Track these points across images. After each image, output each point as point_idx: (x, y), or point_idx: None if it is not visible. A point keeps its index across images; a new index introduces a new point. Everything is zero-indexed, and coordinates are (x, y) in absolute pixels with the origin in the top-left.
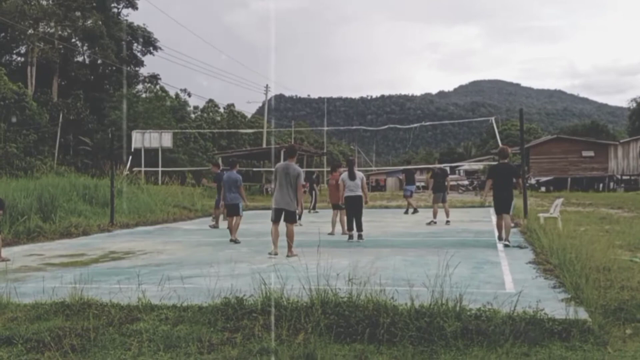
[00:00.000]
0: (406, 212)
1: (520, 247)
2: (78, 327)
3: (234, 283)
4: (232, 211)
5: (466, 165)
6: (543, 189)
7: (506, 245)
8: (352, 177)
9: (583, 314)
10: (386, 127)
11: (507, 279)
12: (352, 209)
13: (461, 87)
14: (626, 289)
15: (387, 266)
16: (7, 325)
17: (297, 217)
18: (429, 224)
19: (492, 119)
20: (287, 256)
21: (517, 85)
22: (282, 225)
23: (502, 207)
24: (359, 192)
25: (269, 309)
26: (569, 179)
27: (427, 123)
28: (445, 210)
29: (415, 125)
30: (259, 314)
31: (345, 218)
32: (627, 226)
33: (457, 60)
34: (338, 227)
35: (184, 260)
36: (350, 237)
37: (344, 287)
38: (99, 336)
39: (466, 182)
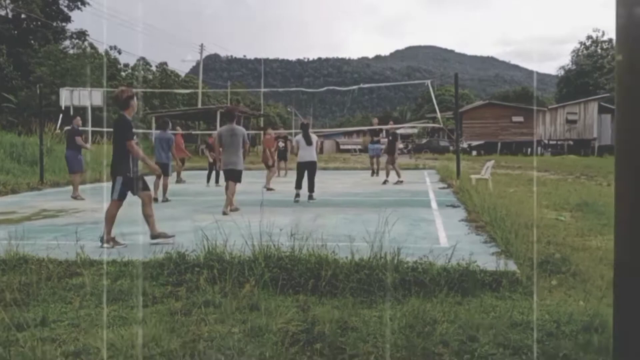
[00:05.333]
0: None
1: (453, 206)
2: (16, 281)
3: (175, 239)
4: (162, 170)
5: (401, 130)
6: (474, 152)
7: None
8: (308, 141)
9: (512, 267)
10: (324, 89)
11: (442, 235)
12: (306, 172)
13: (397, 52)
14: (552, 244)
15: (328, 224)
16: None
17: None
18: (384, 183)
19: (429, 82)
20: (230, 210)
21: (452, 51)
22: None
23: None
24: (314, 157)
25: (212, 263)
26: (499, 144)
27: (365, 86)
28: (396, 171)
29: (353, 87)
30: (202, 268)
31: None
32: (553, 188)
33: (394, 25)
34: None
35: (120, 218)
36: (297, 196)
37: (287, 243)
38: (39, 290)
39: (401, 146)
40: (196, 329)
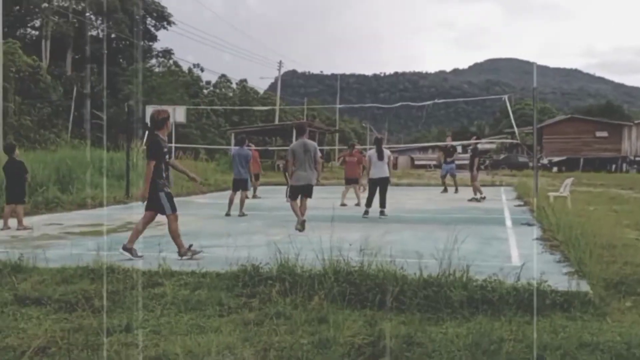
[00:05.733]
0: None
1: (529, 224)
2: (103, 289)
3: (250, 252)
4: (240, 186)
5: (479, 145)
6: (555, 169)
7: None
8: (380, 156)
9: (585, 287)
10: (398, 104)
11: (514, 254)
12: (378, 188)
13: (476, 65)
14: (629, 265)
15: (397, 240)
16: (36, 287)
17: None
18: (478, 200)
19: (506, 97)
20: (301, 224)
21: (533, 64)
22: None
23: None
24: (386, 173)
25: (284, 276)
26: (582, 160)
27: (440, 101)
28: (477, 188)
29: (428, 102)
30: (275, 280)
31: (360, 192)
32: (636, 206)
33: (473, 38)
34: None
35: (199, 232)
36: (366, 213)
37: (356, 258)
38: (124, 299)
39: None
40: (267, 339)
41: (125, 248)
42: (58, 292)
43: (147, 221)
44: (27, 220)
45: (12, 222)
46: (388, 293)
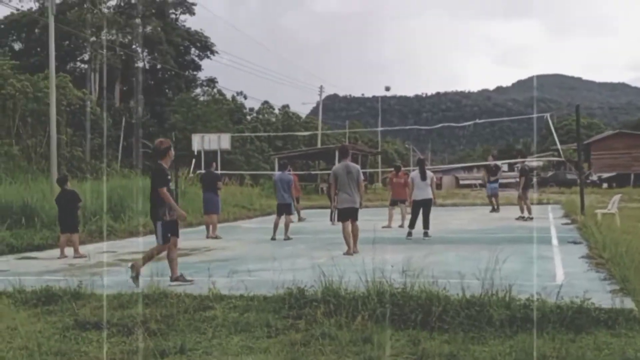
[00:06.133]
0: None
1: (575, 242)
2: (157, 313)
3: (295, 275)
4: (284, 210)
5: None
6: (605, 185)
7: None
8: (423, 177)
9: (629, 304)
10: (439, 125)
11: (559, 272)
12: (421, 209)
13: (520, 82)
14: None
15: (440, 261)
16: (94, 312)
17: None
18: (525, 219)
19: (547, 115)
20: (353, 252)
21: (579, 79)
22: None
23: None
24: (429, 195)
25: (329, 298)
26: (632, 175)
27: (481, 121)
28: (526, 206)
29: (469, 123)
30: (320, 302)
31: (406, 212)
32: None
33: (515, 55)
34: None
35: (246, 256)
36: (410, 234)
37: (399, 279)
38: (176, 322)
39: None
40: (314, 358)
41: (173, 279)
42: (116, 317)
43: (172, 246)
44: (82, 249)
45: (69, 251)
46: (431, 313)
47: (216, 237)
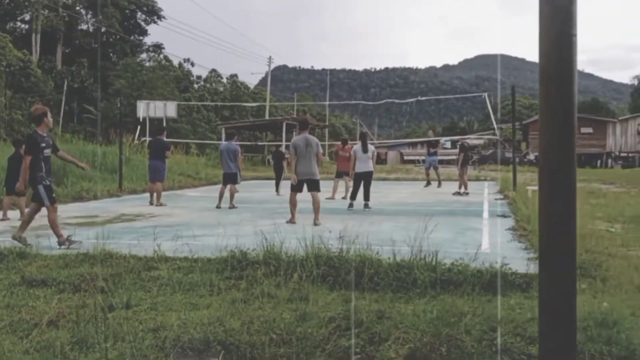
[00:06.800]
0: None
1: (504, 216)
2: (103, 273)
3: (238, 240)
4: (229, 179)
5: (468, 141)
6: None
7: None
8: (364, 150)
9: None
10: (384, 101)
11: (484, 242)
12: (362, 182)
13: (466, 60)
14: (590, 252)
15: (377, 230)
16: (40, 270)
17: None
18: (462, 194)
19: (485, 95)
20: (315, 224)
21: (523, 60)
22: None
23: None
24: (370, 167)
25: (270, 261)
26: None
27: (423, 98)
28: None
29: (411, 100)
30: (261, 264)
31: (350, 184)
32: (612, 200)
33: (463, 33)
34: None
35: (191, 222)
36: (351, 205)
37: (336, 245)
38: (122, 281)
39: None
40: (253, 313)
41: (14, 237)
42: (62, 275)
43: (33, 212)
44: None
45: (12, 213)
46: (363, 275)
47: (160, 205)
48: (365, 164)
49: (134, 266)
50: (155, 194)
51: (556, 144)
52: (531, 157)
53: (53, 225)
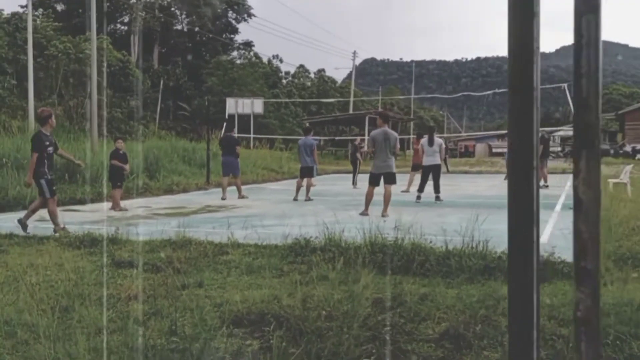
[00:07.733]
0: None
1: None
2: (182, 256)
3: (307, 230)
4: (306, 173)
5: (561, 132)
6: (639, 156)
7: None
8: (430, 143)
9: None
10: (459, 95)
11: (546, 233)
12: (430, 175)
13: (563, 48)
14: None
15: (441, 222)
16: (129, 254)
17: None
18: (541, 187)
19: (565, 85)
20: (383, 215)
21: (625, 46)
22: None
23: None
24: (437, 161)
25: (330, 248)
26: None
27: (499, 91)
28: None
29: (488, 92)
30: (322, 251)
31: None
32: None
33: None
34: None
35: (267, 214)
36: (419, 197)
37: (392, 235)
38: (197, 263)
39: (558, 149)
40: (308, 292)
41: (20, 221)
42: (146, 258)
43: (39, 204)
44: (121, 203)
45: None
46: (414, 261)
47: (242, 197)
48: (432, 157)
49: (209, 251)
50: (231, 188)
51: None
52: (627, 148)
53: (52, 215)
